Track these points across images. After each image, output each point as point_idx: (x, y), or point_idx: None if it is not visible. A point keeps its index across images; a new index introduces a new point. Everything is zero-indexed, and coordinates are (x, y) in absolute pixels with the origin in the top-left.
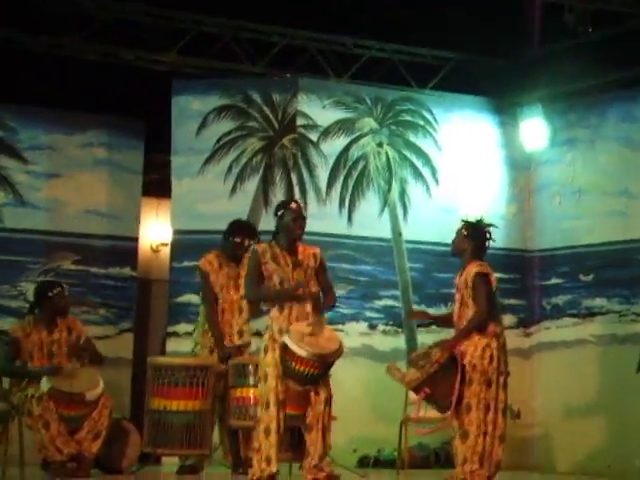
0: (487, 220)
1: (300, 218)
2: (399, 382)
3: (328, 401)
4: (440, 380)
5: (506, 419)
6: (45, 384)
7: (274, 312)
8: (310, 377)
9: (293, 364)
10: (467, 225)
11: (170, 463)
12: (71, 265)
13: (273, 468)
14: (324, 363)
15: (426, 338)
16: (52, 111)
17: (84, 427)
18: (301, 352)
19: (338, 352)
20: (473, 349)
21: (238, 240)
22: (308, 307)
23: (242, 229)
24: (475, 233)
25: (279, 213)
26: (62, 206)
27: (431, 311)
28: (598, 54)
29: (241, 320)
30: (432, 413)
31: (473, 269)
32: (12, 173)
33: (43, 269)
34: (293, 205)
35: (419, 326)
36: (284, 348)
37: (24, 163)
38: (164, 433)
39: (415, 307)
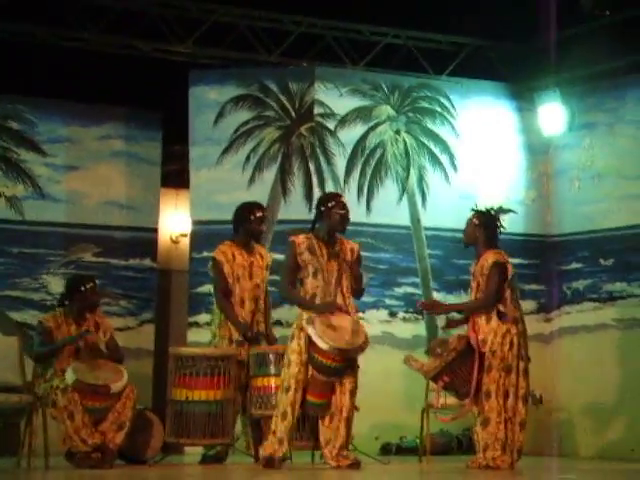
0: (505, 206)
1: (346, 213)
2: (417, 372)
3: (353, 392)
4: (458, 368)
5: (527, 405)
6: (70, 376)
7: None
8: (333, 369)
9: (317, 356)
10: (477, 214)
11: (193, 453)
12: (92, 257)
13: (285, 451)
14: (345, 357)
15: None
16: (70, 104)
17: (108, 418)
18: (322, 345)
19: (362, 346)
20: (493, 335)
21: (260, 214)
22: (339, 298)
23: (254, 204)
24: (486, 222)
25: (329, 205)
26: (82, 198)
27: (451, 298)
28: (616, 37)
29: (255, 309)
30: (453, 400)
31: (490, 258)
32: (31, 166)
33: (64, 261)
34: (342, 200)
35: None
36: (309, 338)
37: (43, 156)
38: (187, 423)
39: (435, 296)
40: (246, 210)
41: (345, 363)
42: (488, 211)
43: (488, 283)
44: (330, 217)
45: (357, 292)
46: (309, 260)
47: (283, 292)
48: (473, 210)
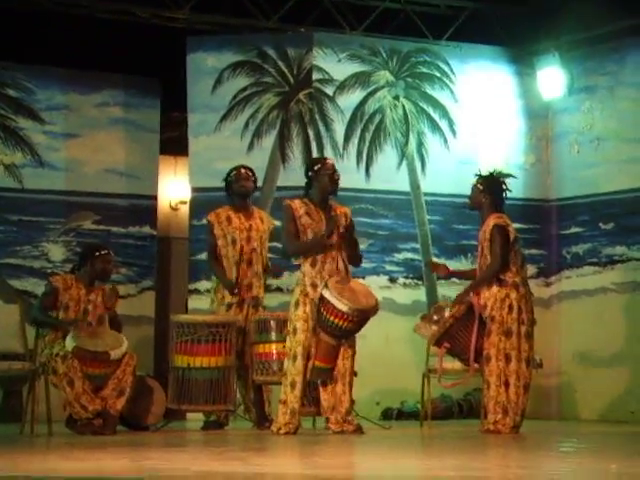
0: (504, 170)
1: (335, 174)
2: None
3: (353, 357)
4: (458, 334)
5: (530, 368)
6: (70, 343)
7: (306, 267)
8: (346, 331)
9: (331, 317)
10: (482, 179)
11: (195, 419)
12: (91, 225)
13: (297, 422)
14: (363, 318)
15: (446, 291)
16: (68, 71)
17: (109, 385)
18: (342, 306)
19: (376, 307)
20: (493, 301)
21: (234, 173)
22: (340, 264)
23: (238, 166)
24: (490, 186)
25: (315, 168)
26: (80, 166)
27: (451, 263)
28: (614, 1)
29: (250, 273)
30: (453, 365)
31: (491, 221)
32: (30, 134)
33: (63, 229)
34: (329, 161)
35: (439, 279)
36: (321, 301)
37: (41, 124)
38: (188, 390)
39: (435, 259)
40: (229, 173)
41: (360, 324)
42: (492, 175)
43: (493, 247)
44: (319, 180)
45: (355, 258)
46: (308, 224)
47: (290, 249)
48: (477, 175)
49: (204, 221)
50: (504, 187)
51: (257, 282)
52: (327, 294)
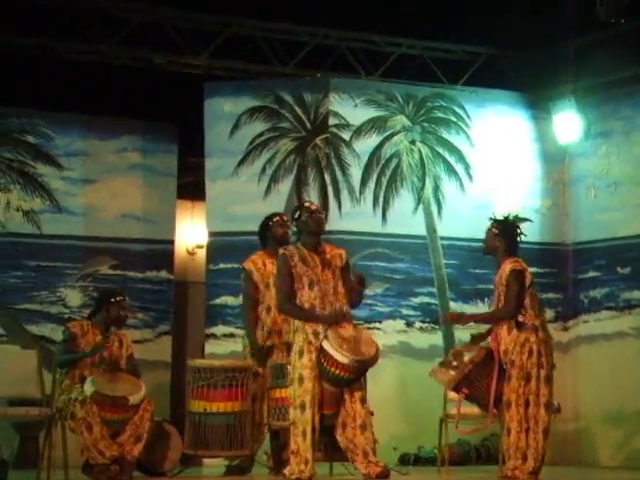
0: (520, 214)
1: (316, 212)
2: (442, 384)
3: (363, 399)
4: (476, 379)
5: (550, 413)
6: (88, 388)
7: None
8: (346, 380)
9: (331, 368)
10: (497, 223)
11: (212, 465)
12: (108, 270)
13: (311, 469)
14: (362, 368)
15: (463, 335)
16: (86, 117)
17: (126, 430)
18: (342, 359)
19: (377, 356)
20: (512, 345)
21: (277, 219)
22: (338, 308)
23: (272, 213)
24: (506, 230)
25: (295, 215)
26: (98, 211)
27: (468, 307)
28: (631, 45)
29: (280, 318)
30: (471, 409)
31: (508, 266)
32: (48, 180)
33: (81, 274)
34: (306, 204)
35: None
36: (321, 351)
37: (60, 169)
38: (205, 435)
39: (452, 305)
40: (265, 219)
41: (360, 374)
42: (507, 219)
43: (508, 292)
44: (303, 224)
45: (354, 300)
46: (304, 271)
47: (283, 306)
48: (492, 219)
49: (221, 266)
50: (519, 231)
51: (287, 327)
52: (327, 346)
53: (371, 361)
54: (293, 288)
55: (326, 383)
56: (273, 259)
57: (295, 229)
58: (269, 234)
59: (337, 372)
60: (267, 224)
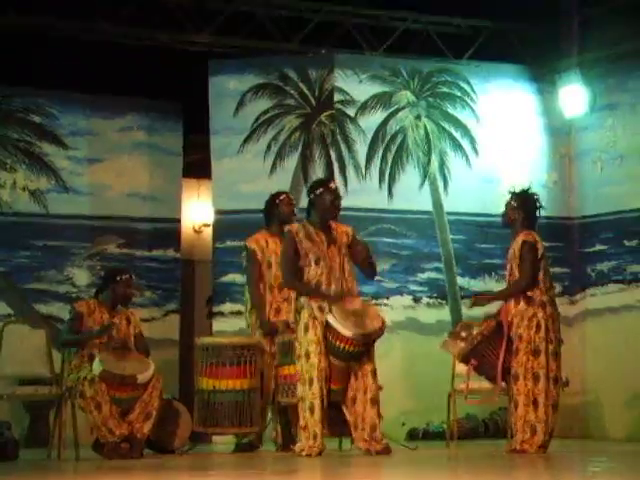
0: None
1: (339, 199)
2: (453, 355)
3: (374, 373)
4: (485, 351)
5: (559, 387)
6: (97, 366)
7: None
8: (353, 354)
9: (337, 342)
10: (515, 195)
11: (221, 442)
12: (115, 249)
13: (321, 445)
14: (368, 341)
15: (471, 309)
16: (90, 96)
17: (135, 409)
18: (346, 332)
19: (381, 330)
20: (519, 319)
21: (283, 197)
22: (345, 284)
23: (278, 192)
24: (524, 202)
25: (318, 192)
26: (104, 190)
27: (475, 282)
28: (637, 17)
29: (280, 297)
30: (479, 384)
31: (520, 238)
32: (54, 159)
33: (88, 254)
34: (332, 185)
35: (463, 297)
36: (327, 326)
37: (65, 149)
38: (214, 412)
39: (459, 280)
40: (271, 196)
41: (366, 347)
42: (526, 192)
43: (522, 263)
44: (320, 204)
45: (369, 271)
46: (309, 248)
47: (288, 283)
48: (510, 192)
49: (227, 244)
50: (537, 204)
51: (289, 307)
52: (331, 320)
53: (375, 334)
54: (298, 265)
55: (333, 358)
56: (275, 238)
57: (308, 203)
58: (275, 212)
59: (342, 346)
60: (274, 202)
